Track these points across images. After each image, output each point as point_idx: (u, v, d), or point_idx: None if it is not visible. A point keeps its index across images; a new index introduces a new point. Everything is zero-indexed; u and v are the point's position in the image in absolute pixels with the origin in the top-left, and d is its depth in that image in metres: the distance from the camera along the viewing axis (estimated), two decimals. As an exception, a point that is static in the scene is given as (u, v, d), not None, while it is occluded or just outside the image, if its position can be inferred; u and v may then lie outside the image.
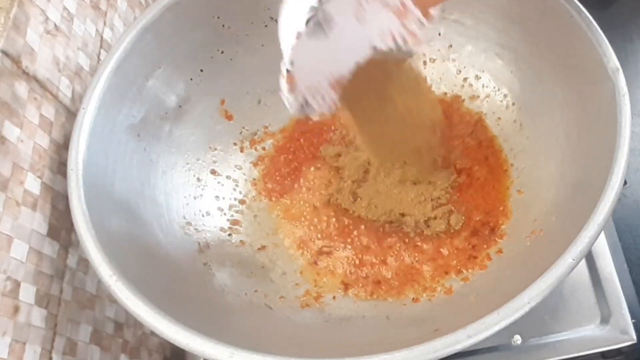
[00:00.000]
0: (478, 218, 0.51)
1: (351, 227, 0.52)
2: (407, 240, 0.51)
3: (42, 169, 0.40)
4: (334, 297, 0.49)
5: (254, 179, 0.56)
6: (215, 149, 0.55)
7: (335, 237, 0.52)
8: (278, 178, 0.56)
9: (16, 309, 0.35)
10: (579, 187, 0.42)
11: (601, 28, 0.42)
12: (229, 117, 0.55)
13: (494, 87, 0.54)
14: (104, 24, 0.51)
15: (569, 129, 0.46)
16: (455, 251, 0.49)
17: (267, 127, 0.58)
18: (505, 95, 0.54)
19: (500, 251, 0.48)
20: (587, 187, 0.40)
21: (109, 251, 0.37)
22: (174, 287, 0.43)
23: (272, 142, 0.58)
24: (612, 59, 0.40)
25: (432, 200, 0.51)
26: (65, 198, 0.40)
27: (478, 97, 0.55)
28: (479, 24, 0.52)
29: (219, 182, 0.54)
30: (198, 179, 0.53)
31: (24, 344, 0.36)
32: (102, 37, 0.50)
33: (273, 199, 0.55)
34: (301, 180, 0.56)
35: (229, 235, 0.52)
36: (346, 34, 0.35)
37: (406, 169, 0.51)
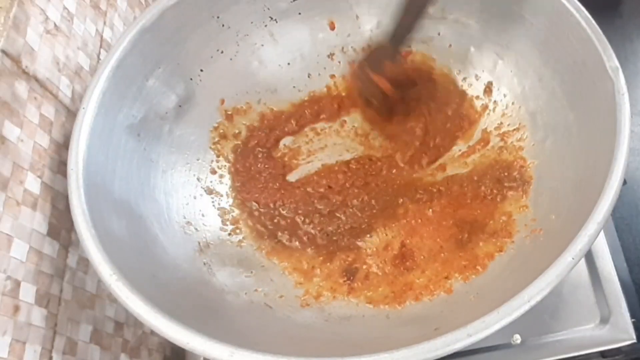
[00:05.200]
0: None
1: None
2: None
3: (42, 169, 0.40)
4: (334, 297, 0.49)
5: (254, 179, 0.56)
6: (215, 149, 0.55)
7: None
8: None
9: (16, 309, 0.35)
10: (579, 186, 0.42)
11: (601, 27, 0.42)
12: (229, 117, 0.55)
13: (494, 87, 0.54)
14: (104, 23, 0.51)
15: (568, 128, 0.46)
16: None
17: (267, 127, 0.58)
18: (505, 95, 0.54)
19: (500, 250, 0.48)
20: (586, 186, 0.40)
21: (109, 251, 0.37)
22: (174, 287, 0.43)
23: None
24: (612, 58, 0.41)
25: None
26: (65, 198, 0.40)
27: (478, 96, 0.55)
28: (478, 24, 0.52)
29: (219, 182, 0.54)
30: (198, 179, 0.53)
31: (24, 343, 0.36)
32: (102, 36, 0.50)
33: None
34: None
35: (229, 235, 0.52)
36: None
37: None
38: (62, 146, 0.43)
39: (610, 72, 0.40)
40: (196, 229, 0.50)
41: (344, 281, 0.49)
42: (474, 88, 0.55)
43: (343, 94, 0.58)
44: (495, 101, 0.54)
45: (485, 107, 0.55)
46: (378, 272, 0.50)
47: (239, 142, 0.56)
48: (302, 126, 0.57)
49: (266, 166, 0.55)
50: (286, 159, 0.57)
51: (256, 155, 0.55)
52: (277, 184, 0.55)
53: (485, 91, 0.55)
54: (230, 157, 0.55)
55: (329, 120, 0.57)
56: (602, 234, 0.54)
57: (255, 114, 0.57)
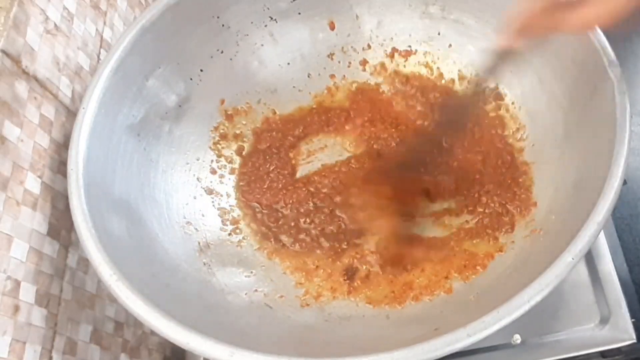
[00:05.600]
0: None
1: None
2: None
3: (42, 169, 0.40)
4: (334, 297, 0.49)
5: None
6: (215, 149, 0.55)
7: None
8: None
9: (16, 309, 0.35)
10: (579, 186, 0.42)
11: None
12: (229, 117, 0.55)
13: (494, 87, 0.54)
14: (104, 23, 0.51)
15: (568, 128, 0.46)
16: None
17: (267, 127, 0.57)
18: (504, 95, 0.54)
19: (500, 250, 0.48)
20: (586, 186, 0.40)
21: (109, 251, 0.37)
22: (174, 287, 0.43)
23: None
24: (612, 59, 0.40)
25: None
26: (65, 198, 0.40)
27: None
28: (479, 24, 0.52)
29: (219, 182, 0.54)
30: (198, 179, 0.53)
31: (24, 343, 0.36)
32: (102, 36, 0.50)
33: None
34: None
35: (229, 235, 0.52)
36: None
37: None
38: (62, 146, 0.43)
39: (610, 72, 0.40)
40: (196, 229, 0.50)
41: (344, 280, 0.49)
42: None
43: (346, 103, 0.58)
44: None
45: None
46: (379, 272, 0.50)
47: (243, 144, 0.56)
48: (307, 134, 0.57)
49: (274, 167, 0.55)
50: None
51: (265, 156, 0.55)
52: (280, 185, 0.55)
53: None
54: (235, 157, 0.55)
55: (335, 132, 0.57)
56: (602, 234, 0.54)
57: (259, 116, 0.57)
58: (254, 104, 0.57)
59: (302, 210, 0.53)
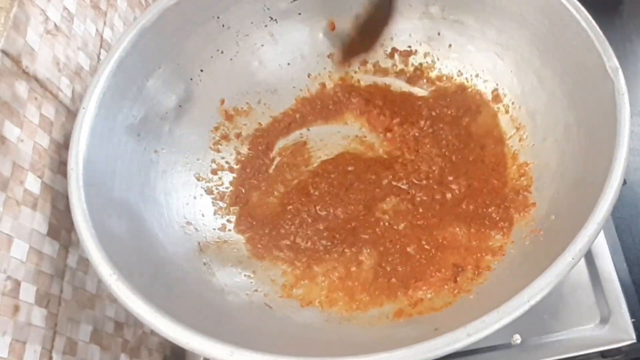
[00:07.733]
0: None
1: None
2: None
3: (42, 169, 0.40)
4: (331, 302, 0.48)
5: (254, 179, 0.56)
6: (215, 149, 0.55)
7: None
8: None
9: (16, 309, 0.35)
10: (579, 186, 0.42)
11: (601, 28, 0.42)
12: (229, 117, 0.56)
13: (494, 87, 0.54)
14: (104, 23, 0.51)
15: (568, 128, 0.46)
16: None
17: (267, 127, 0.58)
18: (504, 95, 0.54)
19: (500, 250, 0.47)
20: (586, 186, 0.40)
21: (109, 251, 0.37)
22: (174, 287, 0.43)
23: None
24: (612, 59, 0.41)
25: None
26: (65, 198, 0.40)
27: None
28: (478, 24, 0.53)
29: (219, 182, 0.54)
30: (198, 179, 0.53)
31: (24, 343, 0.36)
32: (102, 37, 0.50)
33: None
34: None
35: (229, 235, 0.52)
36: None
37: None
38: (62, 146, 0.43)
39: (610, 72, 0.40)
40: (196, 229, 0.50)
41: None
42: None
43: (338, 91, 0.58)
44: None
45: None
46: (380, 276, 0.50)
47: (244, 144, 0.56)
48: (303, 123, 0.57)
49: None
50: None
51: (265, 158, 0.56)
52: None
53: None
54: (235, 158, 0.55)
55: (333, 120, 0.57)
56: (602, 234, 0.54)
57: (260, 116, 0.57)
58: (254, 104, 0.57)
59: (297, 215, 0.53)
